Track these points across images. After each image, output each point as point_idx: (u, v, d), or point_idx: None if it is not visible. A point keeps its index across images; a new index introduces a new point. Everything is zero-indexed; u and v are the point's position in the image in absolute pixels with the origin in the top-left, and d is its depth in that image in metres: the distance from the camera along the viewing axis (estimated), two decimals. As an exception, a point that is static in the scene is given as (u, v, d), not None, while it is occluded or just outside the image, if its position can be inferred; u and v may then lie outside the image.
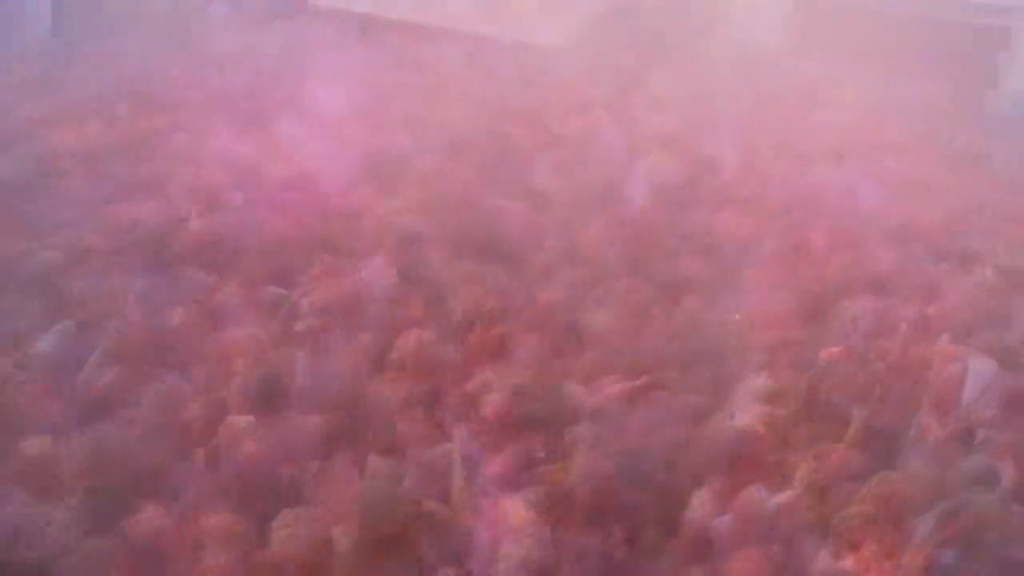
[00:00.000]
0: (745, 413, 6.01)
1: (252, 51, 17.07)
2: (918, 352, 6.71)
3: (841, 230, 10.53)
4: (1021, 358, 6.96)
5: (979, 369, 6.76)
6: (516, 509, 4.77)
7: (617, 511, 4.94)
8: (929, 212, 12.38)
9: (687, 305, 8.17)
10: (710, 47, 26.11)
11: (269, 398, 5.68)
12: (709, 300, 8.17)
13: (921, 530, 4.72)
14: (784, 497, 5.12)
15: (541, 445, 5.53)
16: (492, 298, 7.05)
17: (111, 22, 17.03)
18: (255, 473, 5.07)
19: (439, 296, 7.39)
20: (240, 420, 5.43)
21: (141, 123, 12.66)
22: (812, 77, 24.41)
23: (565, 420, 5.87)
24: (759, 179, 12.37)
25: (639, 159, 12.27)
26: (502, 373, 6.16)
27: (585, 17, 21.37)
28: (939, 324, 7.40)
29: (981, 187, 14.63)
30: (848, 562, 4.71)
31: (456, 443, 5.22)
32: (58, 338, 6.47)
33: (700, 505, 5.17)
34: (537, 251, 8.69)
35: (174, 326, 6.89)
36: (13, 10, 17.17)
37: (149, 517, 4.83)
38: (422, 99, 15.18)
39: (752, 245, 9.15)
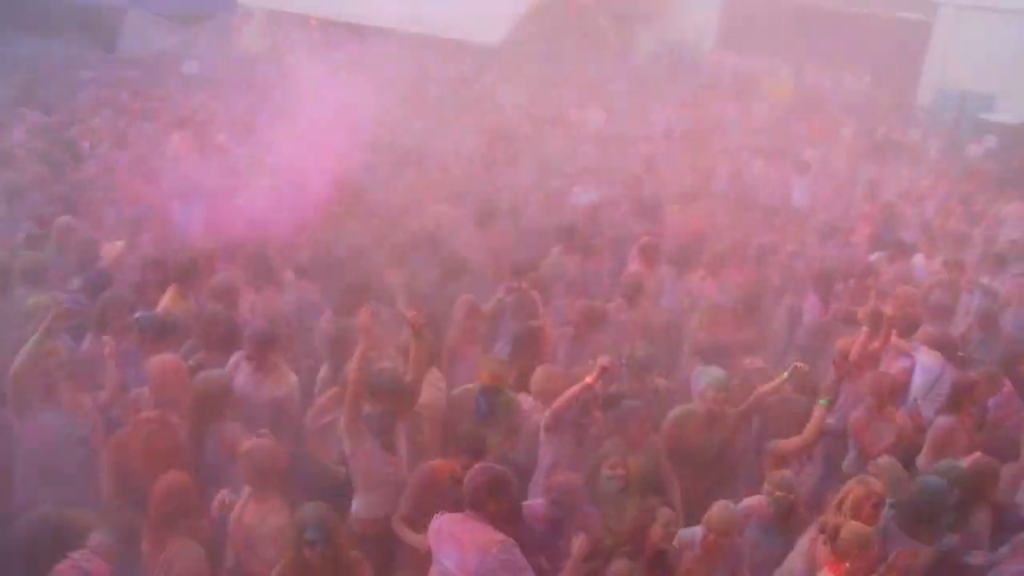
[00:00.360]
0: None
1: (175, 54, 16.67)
2: (869, 348, 6.75)
3: (776, 226, 10.66)
4: (966, 350, 7.11)
5: (927, 363, 6.98)
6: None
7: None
8: (860, 204, 12.68)
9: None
10: (643, 42, 26.46)
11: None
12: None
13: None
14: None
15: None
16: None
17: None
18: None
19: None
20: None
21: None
22: (743, 70, 24.91)
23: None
24: (689, 175, 12.42)
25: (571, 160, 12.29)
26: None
27: (520, 14, 21.30)
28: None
29: (909, 178, 14.99)
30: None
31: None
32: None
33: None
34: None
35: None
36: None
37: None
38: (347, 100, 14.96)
39: (695, 244, 9.08)
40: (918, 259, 9.85)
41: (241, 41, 19.55)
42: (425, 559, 4.37)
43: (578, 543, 4.36)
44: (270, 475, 4.44)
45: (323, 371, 5.76)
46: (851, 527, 4.21)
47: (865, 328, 6.40)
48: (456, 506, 4.30)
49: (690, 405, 5.70)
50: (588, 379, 5.02)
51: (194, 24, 17.10)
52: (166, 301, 6.31)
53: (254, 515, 4.43)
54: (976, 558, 4.88)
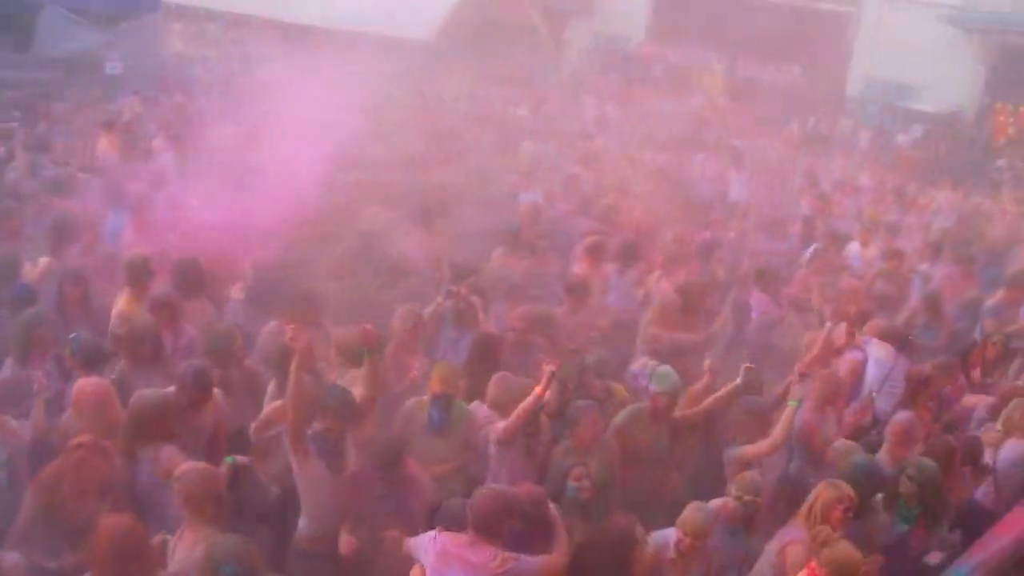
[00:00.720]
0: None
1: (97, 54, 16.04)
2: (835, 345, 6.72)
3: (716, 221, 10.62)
4: (916, 341, 7.17)
5: (879, 356, 6.99)
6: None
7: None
8: (796, 197, 12.76)
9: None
10: (575, 35, 26.42)
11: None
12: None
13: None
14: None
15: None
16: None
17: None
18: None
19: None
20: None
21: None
22: (674, 63, 25.04)
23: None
24: (627, 170, 12.34)
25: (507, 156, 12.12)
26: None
27: (451, 7, 21.08)
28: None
29: (842, 169, 15.20)
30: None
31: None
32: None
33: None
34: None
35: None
36: None
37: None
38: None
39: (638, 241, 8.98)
40: (853, 247, 9.97)
41: (167, 41, 18.95)
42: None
43: None
44: (205, 500, 4.16)
45: (271, 386, 5.51)
46: (842, 552, 4.10)
47: (829, 324, 6.37)
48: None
49: (639, 404, 5.60)
50: (538, 389, 4.86)
51: (117, 24, 16.43)
52: (121, 305, 6.05)
53: (187, 544, 4.16)
54: (932, 557, 4.89)
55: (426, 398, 5.33)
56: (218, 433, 5.15)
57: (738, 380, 5.58)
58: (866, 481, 4.82)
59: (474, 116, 15.14)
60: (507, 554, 4.06)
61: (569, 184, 10.72)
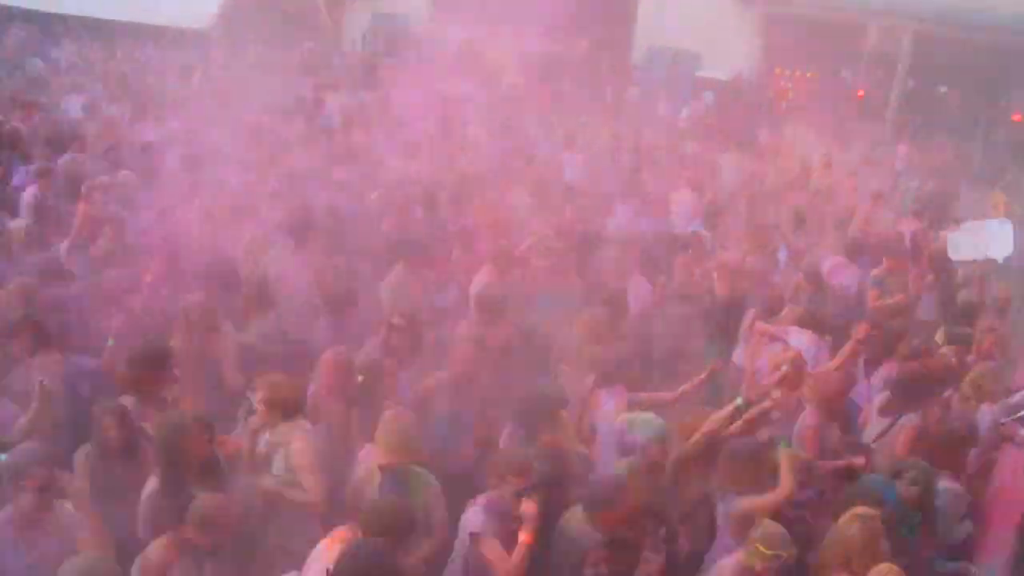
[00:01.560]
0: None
1: None
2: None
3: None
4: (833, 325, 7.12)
5: (802, 343, 6.83)
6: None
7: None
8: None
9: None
10: (355, 19, 25.23)
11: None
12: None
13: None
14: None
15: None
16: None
17: None
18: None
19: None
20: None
21: None
22: (458, 40, 24.50)
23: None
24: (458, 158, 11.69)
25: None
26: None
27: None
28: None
29: (647, 138, 15.17)
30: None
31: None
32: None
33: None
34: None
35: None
36: None
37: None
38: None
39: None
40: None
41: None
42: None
43: None
44: None
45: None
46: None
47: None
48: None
49: (629, 461, 4.93)
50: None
51: None
52: None
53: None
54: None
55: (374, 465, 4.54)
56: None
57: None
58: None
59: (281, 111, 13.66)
60: None
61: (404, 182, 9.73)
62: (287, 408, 4.77)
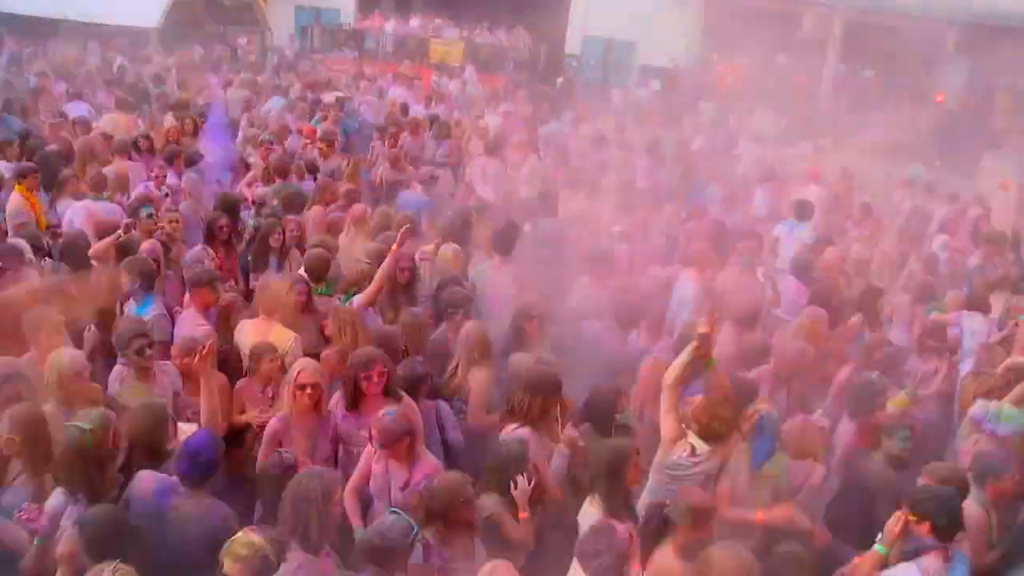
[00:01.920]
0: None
1: None
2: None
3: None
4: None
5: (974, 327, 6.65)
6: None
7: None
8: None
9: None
10: (276, 12, 24.76)
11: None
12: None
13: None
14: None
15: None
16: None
17: None
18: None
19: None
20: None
21: None
22: (403, 34, 24.40)
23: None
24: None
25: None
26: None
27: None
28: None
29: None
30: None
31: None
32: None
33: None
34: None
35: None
36: None
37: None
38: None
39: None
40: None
41: None
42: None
43: None
44: None
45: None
46: None
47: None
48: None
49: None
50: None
51: None
52: None
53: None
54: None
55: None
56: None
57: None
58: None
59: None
60: None
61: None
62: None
